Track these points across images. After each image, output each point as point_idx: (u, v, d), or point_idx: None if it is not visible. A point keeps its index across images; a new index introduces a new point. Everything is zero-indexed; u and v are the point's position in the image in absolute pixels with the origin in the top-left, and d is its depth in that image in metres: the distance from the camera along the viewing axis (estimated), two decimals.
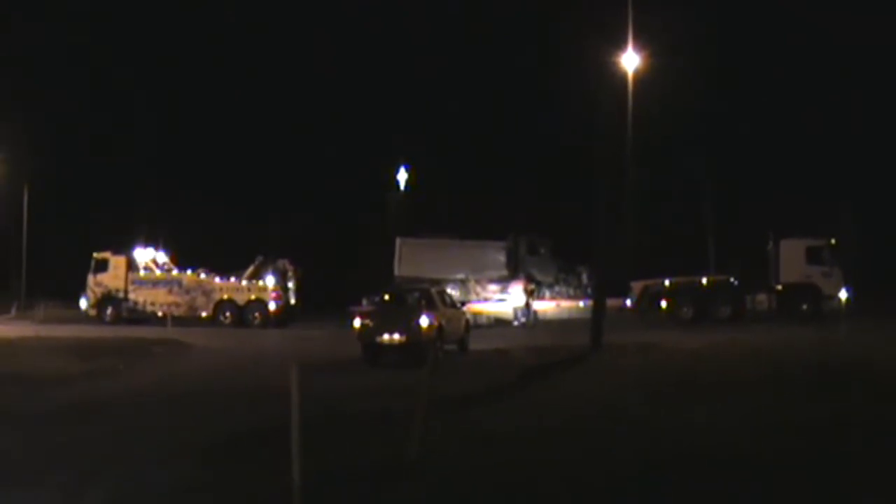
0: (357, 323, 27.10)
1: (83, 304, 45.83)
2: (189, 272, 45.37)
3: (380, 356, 26.59)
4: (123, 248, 45.98)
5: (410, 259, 44.22)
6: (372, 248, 53.19)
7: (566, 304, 44.19)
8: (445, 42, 62.35)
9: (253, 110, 64.74)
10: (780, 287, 38.74)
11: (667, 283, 40.13)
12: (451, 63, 61.66)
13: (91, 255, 45.83)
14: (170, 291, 44.86)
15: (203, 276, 45.11)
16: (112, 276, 45.20)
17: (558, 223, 46.63)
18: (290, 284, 45.29)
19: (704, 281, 40.63)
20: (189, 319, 43.57)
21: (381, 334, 26.45)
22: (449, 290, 34.68)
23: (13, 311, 50.34)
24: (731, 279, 40.07)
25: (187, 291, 44.82)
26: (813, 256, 38.44)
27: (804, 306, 38.12)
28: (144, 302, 44.99)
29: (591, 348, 27.41)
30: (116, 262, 45.36)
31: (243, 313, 43.95)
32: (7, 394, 20.47)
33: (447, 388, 16.64)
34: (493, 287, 43.70)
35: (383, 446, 12.78)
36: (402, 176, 56.88)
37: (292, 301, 45.62)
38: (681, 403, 16.68)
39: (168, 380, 24.16)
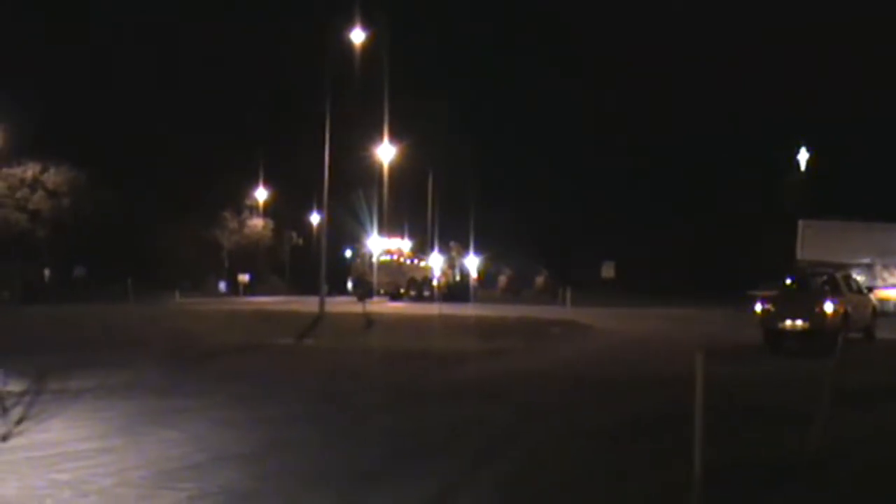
0: (759, 308, 26.46)
1: (349, 285, 57.15)
2: (394, 258, 57.66)
3: (781, 343, 25.88)
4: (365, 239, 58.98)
5: (813, 242, 42.82)
6: (772, 231, 52.01)
7: None
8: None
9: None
10: None
11: None
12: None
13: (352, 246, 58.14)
14: (386, 273, 56.93)
15: (403, 261, 57.28)
16: (360, 263, 58.14)
17: None
18: (461, 264, 58.89)
19: None
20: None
21: (784, 320, 25.70)
22: (854, 275, 33.23)
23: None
24: None
25: (392, 273, 57.04)
26: None
27: None
28: (376, 283, 56.45)
29: None
30: (362, 251, 58.37)
31: (420, 288, 55.51)
32: (414, 370, 21.64)
33: (853, 379, 15.91)
34: None
35: (784, 439, 12.38)
36: (803, 157, 54.88)
37: (457, 278, 58.45)
38: None
39: (566, 361, 24.46)
